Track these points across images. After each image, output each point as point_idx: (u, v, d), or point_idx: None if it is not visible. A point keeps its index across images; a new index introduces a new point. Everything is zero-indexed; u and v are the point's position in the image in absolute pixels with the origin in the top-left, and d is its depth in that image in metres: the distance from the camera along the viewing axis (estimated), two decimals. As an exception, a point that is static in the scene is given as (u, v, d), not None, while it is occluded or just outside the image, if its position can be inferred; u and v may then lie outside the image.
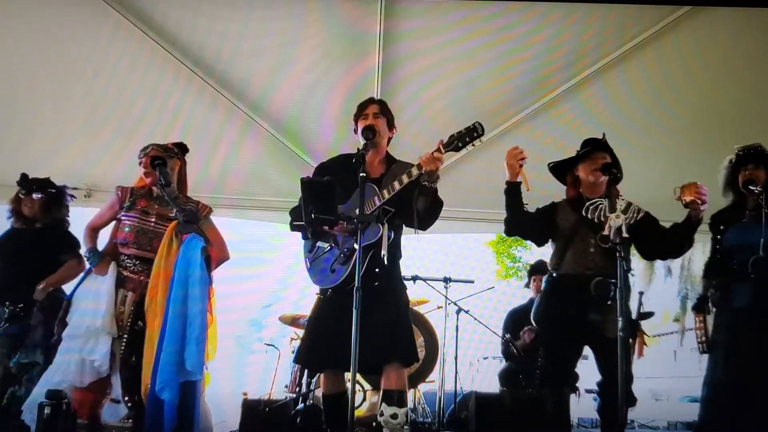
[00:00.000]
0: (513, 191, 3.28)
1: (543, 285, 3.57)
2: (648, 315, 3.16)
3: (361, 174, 2.86)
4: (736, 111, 4.56)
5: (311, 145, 5.05)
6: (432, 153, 2.97)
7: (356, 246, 2.83)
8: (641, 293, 3.06)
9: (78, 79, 4.57)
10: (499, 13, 4.14)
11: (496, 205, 5.19)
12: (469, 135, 2.98)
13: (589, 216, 3.24)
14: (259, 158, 5.18)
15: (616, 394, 2.97)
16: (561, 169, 3.52)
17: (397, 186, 3.02)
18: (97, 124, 4.83)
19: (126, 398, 3.10)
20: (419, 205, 3.08)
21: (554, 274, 3.39)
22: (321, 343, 3.08)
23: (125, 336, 3.19)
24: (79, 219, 4.30)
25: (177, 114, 4.75)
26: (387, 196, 3.03)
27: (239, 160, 5.20)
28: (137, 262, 3.31)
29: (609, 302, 3.07)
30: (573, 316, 3.21)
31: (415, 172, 3.00)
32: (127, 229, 3.34)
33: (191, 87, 4.59)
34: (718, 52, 4.29)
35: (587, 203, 3.28)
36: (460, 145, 3.00)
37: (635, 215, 3.22)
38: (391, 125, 3.33)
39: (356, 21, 4.22)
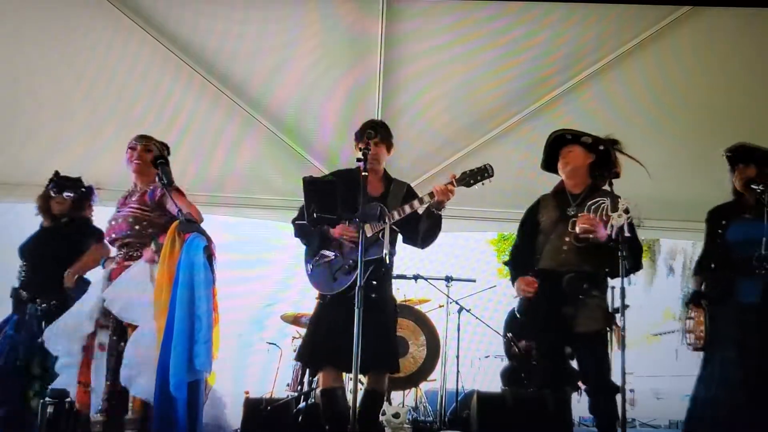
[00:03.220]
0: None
1: None
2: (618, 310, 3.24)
3: (363, 173, 2.91)
4: (736, 111, 4.56)
5: (312, 144, 5.06)
6: (446, 185, 3.25)
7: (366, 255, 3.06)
8: (623, 288, 3.11)
9: (79, 78, 4.58)
10: (498, 15, 4.14)
11: (497, 204, 5.23)
12: (480, 174, 3.29)
13: (591, 215, 3.27)
14: (259, 158, 5.18)
15: (599, 386, 3.21)
16: (550, 165, 3.63)
17: (407, 210, 3.29)
18: (98, 122, 4.84)
19: (107, 390, 3.07)
20: (423, 227, 3.37)
21: (534, 269, 3.48)
22: (321, 343, 3.31)
23: (112, 324, 3.15)
24: (80, 218, 4.35)
25: (178, 112, 4.76)
26: (397, 217, 3.29)
27: (239, 160, 5.20)
28: (122, 252, 3.30)
29: (581, 296, 3.25)
30: (549, 309, 3.32)
31: (426, 199, 3.28)
32: (107, 226, 3.39)
33: (192, 85, 4.60)
34: (717, 52, 4.29)
35: (589, 203, 3.33)
36: (471, 182, 3.29)
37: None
38: (389, 149, 3.54)
39: (356, 22, 4.23)
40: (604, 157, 3.46)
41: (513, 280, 3.55)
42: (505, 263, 3.79)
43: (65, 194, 4.24)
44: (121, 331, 3.11)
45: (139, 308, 3.04)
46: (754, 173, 3.43)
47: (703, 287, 3.58)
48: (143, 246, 3.22)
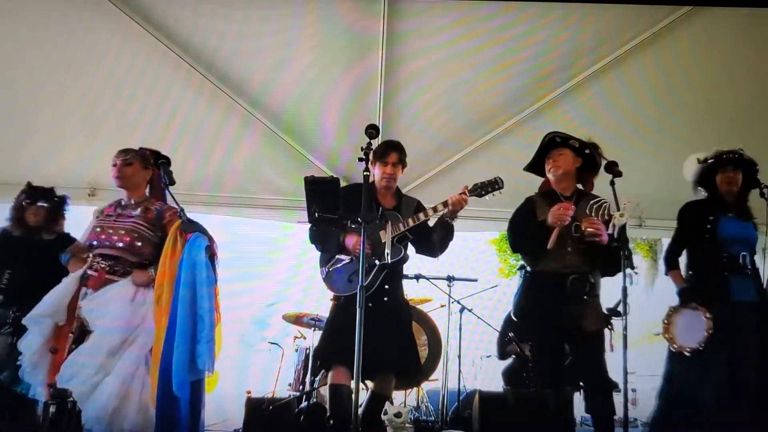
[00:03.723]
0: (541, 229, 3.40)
1: (520, 281, 3.67)
2: (617, 313, 3.29)
3: (365, 173, 2.95)
4: (736, 111, 4.56)
5: (313, 143, 5.06)
6: (460, 195, 3.40)
7: (376, 261, 3.35)
8: (625, 288, 3.13)
9: (77, 77, 4.56)
10: (497, 13, 4.15)
11: (498, 204, 5.21)
12: (491, 186, 3.48)
13: (593, 214, 3.28)
14: (258, 157, 5.17)
15: (598, 385, 3.23)
16: (538, 166, 3.65)
17: (422, 217, 3.47)
18: (96, 121, 4.83)
19: (52, 389, 3.08)
20: (436, 236, 3.53)
21: (531, 270, 3.52)
22: (334, 342, 3.41)
23: (74, 328, 3.16)
24: (84, 218, 4.33)
25: (176, 111, 4.75)
26: (412, 224, 3.45)
27: (238, 159, 5.19)
28: (99, 260, 3.27)
29: (585, 297, 3.30)
30: (551, 310, 3.32)
31: (440, 208, 3.42)
32: (89, 232, 3.36)
33: (190, 84, 4.58)
34: (716, 52, 4.29)
35: (591, 202, 3.33)
36: (483, 193, 3.47)
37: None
38: (404, 168, 3.67)
39: (356, 21, 4.23)
40: (589, 161, 3.50)
41: (534, 260, 3.49)
42: (520, 250, 3.73)
43: (39, 204, 4.19)
44: (82, 336, 3.12)
45: (112, 319, 3.06)
46: (739, 179, 3.61)
47: (685, 284, 3.68)
48: (132, 264, 3.22)
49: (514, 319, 3.67)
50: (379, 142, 3.49)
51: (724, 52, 4.29)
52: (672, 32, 4.17)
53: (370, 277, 3.37)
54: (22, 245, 4.18)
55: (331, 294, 3.62)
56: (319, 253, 3.63)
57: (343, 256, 3.50)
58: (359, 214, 2.95)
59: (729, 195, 3.63)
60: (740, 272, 3.48)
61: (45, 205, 4.21)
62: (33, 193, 4.23)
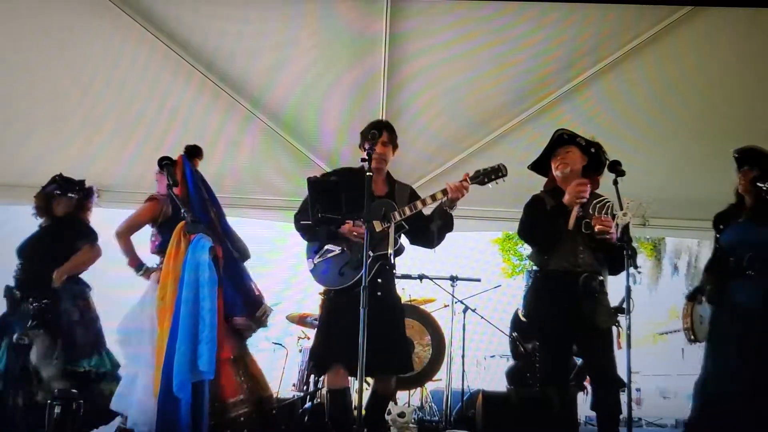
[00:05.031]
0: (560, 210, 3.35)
1: (528, 281, 3.64)
2: (623, 310, 3.30)
3: (368, 173, 2.92)
4: (737, 112, 4.55)
5: (314, 143, 5.06)
6: (460, 182, 3.25)
7: (370, 252, 3.04)
8: (628, 288, 3.17)
9: (78, 76, 4.56)
10: (498, 13, 4.14)
11: (501, 203, 5.23)
12: (495, 173, 3.30)
13: (596, 214, 3.28)
14: (258, 157, 5.17)
15: (608, 383, 3.20)
16: (541, 165, 3.62)
17: (420, 206, 3.27)
18: (96, 122, 4.83)
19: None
20: (435, 226, 3.35)
21: (542, 270, 3.45)
22: (329, 342, 3.28)
23: None
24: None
25: (176, 110, 4.74)
26: (408, 213, 3.25)
27: (238, 158, 5.18)
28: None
29: (596, 295, 3.26)
30: (564, 310, 3.29)
31: (439, 196, 3.26)
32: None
33: (190, 83, 4.58)
34: (717, 53, 4.28)
35: (594, 201, 3.33)
36: (485, 180, 3.29)
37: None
38: (395, 150, 3.51)
39: (357, 20, 4.22)
40: (595, 160, 3.47)
41: (545, 260, 3.40)
42: (535, 240, 3.59)
43: (70, 195, 4.23)
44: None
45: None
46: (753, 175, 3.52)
47: (705, 286, 3.72)
48: None
49: (524, 319, 3.66)
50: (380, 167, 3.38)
51: (724, 53, 4.28)
52: (673, 33, 4.16)
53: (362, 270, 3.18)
54: (39, 233, 4.21)
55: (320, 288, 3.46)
56: (306, 244, 3.46)
57: (332, 246, 3.31)
58: (362, 215, 2.93)
59: (750, 195, 3.55)
60: (742, 275, 3.44)
61: (76, 196, 4.26)
62: (65, 184, 4.27)
